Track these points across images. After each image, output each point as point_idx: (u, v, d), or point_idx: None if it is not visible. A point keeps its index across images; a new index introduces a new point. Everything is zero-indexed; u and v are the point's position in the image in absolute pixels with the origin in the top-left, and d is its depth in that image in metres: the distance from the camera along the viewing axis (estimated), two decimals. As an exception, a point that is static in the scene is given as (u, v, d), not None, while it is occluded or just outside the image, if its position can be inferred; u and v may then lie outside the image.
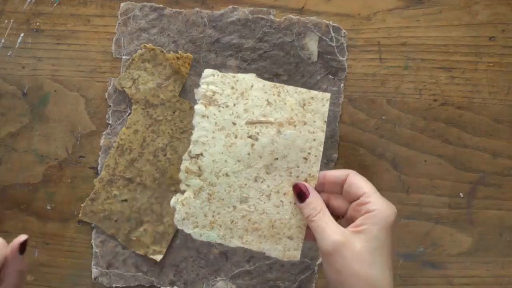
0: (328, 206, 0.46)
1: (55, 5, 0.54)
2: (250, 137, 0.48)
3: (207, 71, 0.49)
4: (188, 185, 0.49)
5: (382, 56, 0.55)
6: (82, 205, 0.53)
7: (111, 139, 0.53)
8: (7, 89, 0.55)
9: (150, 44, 0.52)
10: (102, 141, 0.54)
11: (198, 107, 0.48)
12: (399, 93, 0.55)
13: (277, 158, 0.48)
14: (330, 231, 0.42)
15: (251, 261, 0.54)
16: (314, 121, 0.47)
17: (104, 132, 0.54)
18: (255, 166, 0.48)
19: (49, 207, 0.55)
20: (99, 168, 0.54)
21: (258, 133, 0.48)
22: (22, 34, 0.54)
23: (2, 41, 0.54)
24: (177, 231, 0.54)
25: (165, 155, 0.51)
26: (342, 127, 0.55)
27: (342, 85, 0.54)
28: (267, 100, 0.48)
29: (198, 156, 0.49)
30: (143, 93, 0.51)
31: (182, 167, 0.49)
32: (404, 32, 0.54)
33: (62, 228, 0.55)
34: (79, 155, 0.55)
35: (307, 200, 0.45)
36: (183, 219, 0.49)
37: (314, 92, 0.48)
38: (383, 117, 0.55)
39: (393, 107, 0.55)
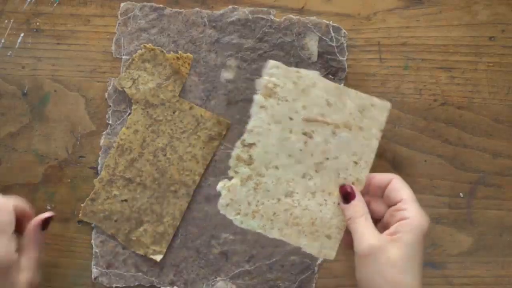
0: (368, 208, 0.46)
1: (55, 5, 0.54)
2: (304, 134, 0.48)
3: (272, 63, 0.48)
4: (236, 172, 0.48)
5: (382, 56, 0.55)
6: (82, 205, 0.53)
7: (111, 139, 0.53)
8: (7, 89, 0.55)
9: (150, 44, 0.52)
10: (102, 141, 0.54)
11: (258, 97, 0.48)
12: (399, 93, 0.55)
13: (328, 158, 0.48)
14: (368, 234, 0.43)
15: (251, 261, 0.54)
16: (371, 128, 0.48)
17: (104, 132, 0.54)
18: (305, 163, 0.48)
19: (49, 207, 0.55)
20: (99, 168, 0.54)
21: (313, 131, 0.48)
22: (22, 34, 0.54)
23: (2, 41, 0.54)
24: (177, 231, 0.54)
25: (165, 155, 0.51)
26: (342, 127, 0.55)
27: (342, 85, 0.54)
28: (327, 100, 0.47)
29: (251, 145, 0.48)
30: (143, 93, 0.51)
31: (234, 154, 0.48)
32: (404, 32, 0.54)
33: (62, 228, 0.55)
34: (79, 155, 0.55)
35: (352, 202, 0.46)
36: (227, 205, 0.48)
37: (375, 100, 0.48)
38: (383, 117, 0.55)
39: (393, 107, 0.55)
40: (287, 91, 0.48)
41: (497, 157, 0.56)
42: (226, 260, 0.54)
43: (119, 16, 0.53)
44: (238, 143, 0.48)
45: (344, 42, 0.53)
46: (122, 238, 0.53)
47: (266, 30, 0.53)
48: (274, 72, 0.48)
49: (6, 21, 0.54)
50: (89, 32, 0.54)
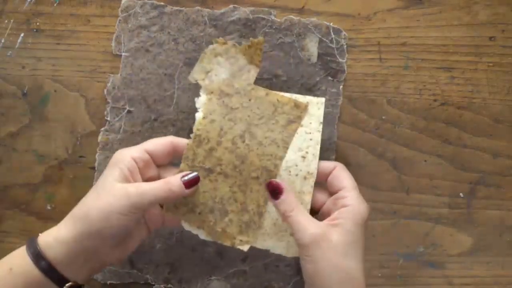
0: (312, 197, 0.48)
1: (55, 5, 0.54)
2: None
3: None
4: None
5: (382, 56, 0.55)
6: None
7: (109, 135, 0.53)
8: (7, 89, 0.55)
9: (221, 38, 0.50)
10: (100, 138, 0.54)
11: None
12: (399, 93, 0.55)
13: None
14: (307, 224, 0.44)
15: (246, 261, 0.54)
16: (310, 123, 0.49)
17: (102, 129, 0.54)
18: None
19: (49, 207, 0.55)
20: (96, 164, 0.54)
21: None
22: (22, 34, 0.54)
23: (2, 41, 0.54)
24: (173, 229, 0.53)
25: (243, 141, 0.49)
26: (342, 127, 0.55)
27: (341, 87, 0.54)
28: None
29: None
30: (217, 83, 0.50)
31: None
32: (404, 32, 0.55)
33: (61, 228, 0.55)
34: (79, 155, 0.55)
35: (282, 197, 0.46)
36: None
37: (309, 98, 0.49)
38: (383, 117, 0.55)
39: (393, 107, 0.55)
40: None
41: (497, 157, 0.56)
42: (221, 259, 0.54)
43: (120, 13, 0.53)
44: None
45: (344, 44, 0.53)
46: (208, 230, 0.50)
47: (267, 30, 0.53)
48: None
49: (6, 21, 0.54)
50: (89, 32, 0.54)
